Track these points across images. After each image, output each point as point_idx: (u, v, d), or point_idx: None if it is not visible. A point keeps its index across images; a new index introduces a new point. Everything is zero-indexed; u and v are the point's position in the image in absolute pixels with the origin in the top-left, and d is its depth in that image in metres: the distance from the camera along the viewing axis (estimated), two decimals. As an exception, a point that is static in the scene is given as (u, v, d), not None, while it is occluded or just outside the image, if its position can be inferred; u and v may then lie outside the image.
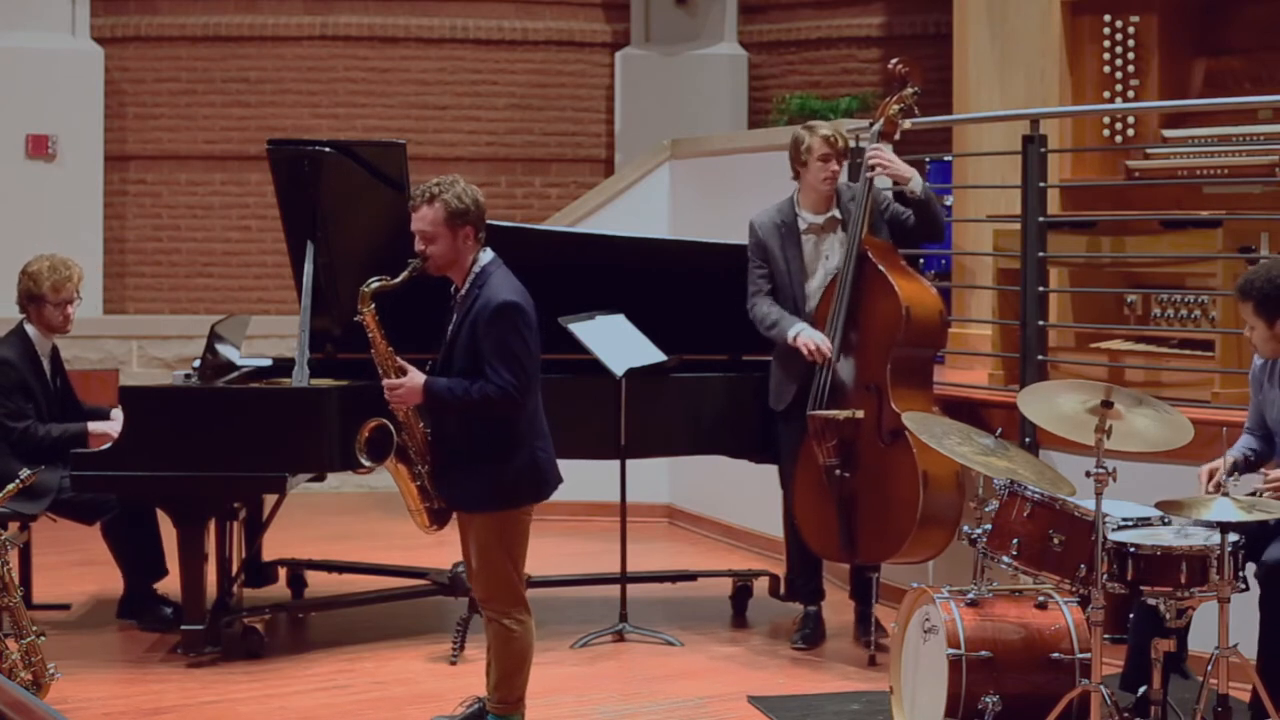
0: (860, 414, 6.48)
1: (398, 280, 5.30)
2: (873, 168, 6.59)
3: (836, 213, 6.75)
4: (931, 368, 6.71)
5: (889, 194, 6.75)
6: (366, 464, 5.44)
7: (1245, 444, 5.57)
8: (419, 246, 5.26)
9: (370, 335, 5.39)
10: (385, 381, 5.34)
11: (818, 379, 6.58)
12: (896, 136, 6.81)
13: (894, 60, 6.83)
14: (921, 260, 8.41)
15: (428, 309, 5.54)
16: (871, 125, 6.80)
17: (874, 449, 6.48)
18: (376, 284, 5.33)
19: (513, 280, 5.29)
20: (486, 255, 5.32)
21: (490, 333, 5.18)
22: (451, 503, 5.41)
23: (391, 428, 5.37)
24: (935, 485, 6.36)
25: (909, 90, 6.74)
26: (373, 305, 5.35)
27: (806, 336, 6.59)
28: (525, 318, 5.23)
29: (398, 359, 5.37)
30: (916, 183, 6.63)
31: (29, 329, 7.06)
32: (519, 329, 5.21)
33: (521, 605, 5.40)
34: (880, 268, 6.53)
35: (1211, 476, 5.36)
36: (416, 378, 5.29)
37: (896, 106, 6.72)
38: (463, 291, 5.31)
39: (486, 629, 5.49)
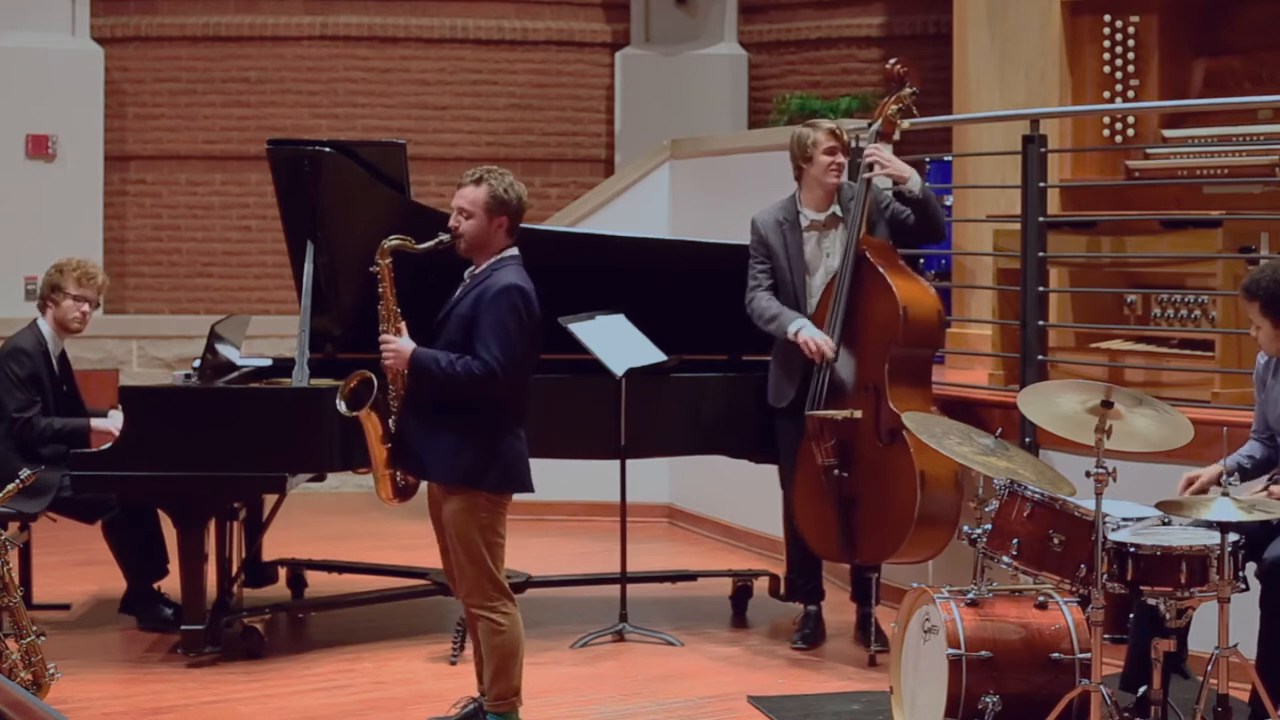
0: (858, 414, 6.48)
1: (421, 247, 5.43)
2: (870, 167, 6.60)
3: (837, 210, 6.76)
4: (930, 368, 6.70)
5: (889, 193, 6.76)
6: (343, 411, 5.46)
7: (1246, 451, 5.56)
8: (453, 222, 5.40)
9: (381, 287, 5.46)
10: (382, 335, 5.44)
11: (816, 379, 6.58)
12: (895, 136, 6.82)
13: (892, 60, 6.84)
14: (921, 260, 8.42)
15: (439, 304, 5.56)
16: (870, 125, 6.81)
17: (872, 449, 6.48)
18: (398, 240, 5.46)
19: (525, 275, 5.40)
20: (512, 251, 5.46)
21: (491, 308, 5.29)
22: (412, 470, 5.46)
23: (375, 383, 5.44)
24: (933, 485, 6.36)
25: (907, 90, 6.74)
26: (390, 260, 5.44)
27: (808, 334, 6.58)
28: (528, 303, 5.34)
29: (401, 321, 5.45)
30: (915, 182, 6.63)
31: (43, 325, 7.10)
32: (518, 310, 5.30)
33: (505, 596, 5.42)
34: (878, 268, 6.53)
35: (1190, 484, 5.37)
36: (408, 342, 5.39)
37: (895, 107, 6.73)
38: (477, 271, 5.43)
39: (472, 627, 5.50)
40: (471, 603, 5.44)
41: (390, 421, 5.47)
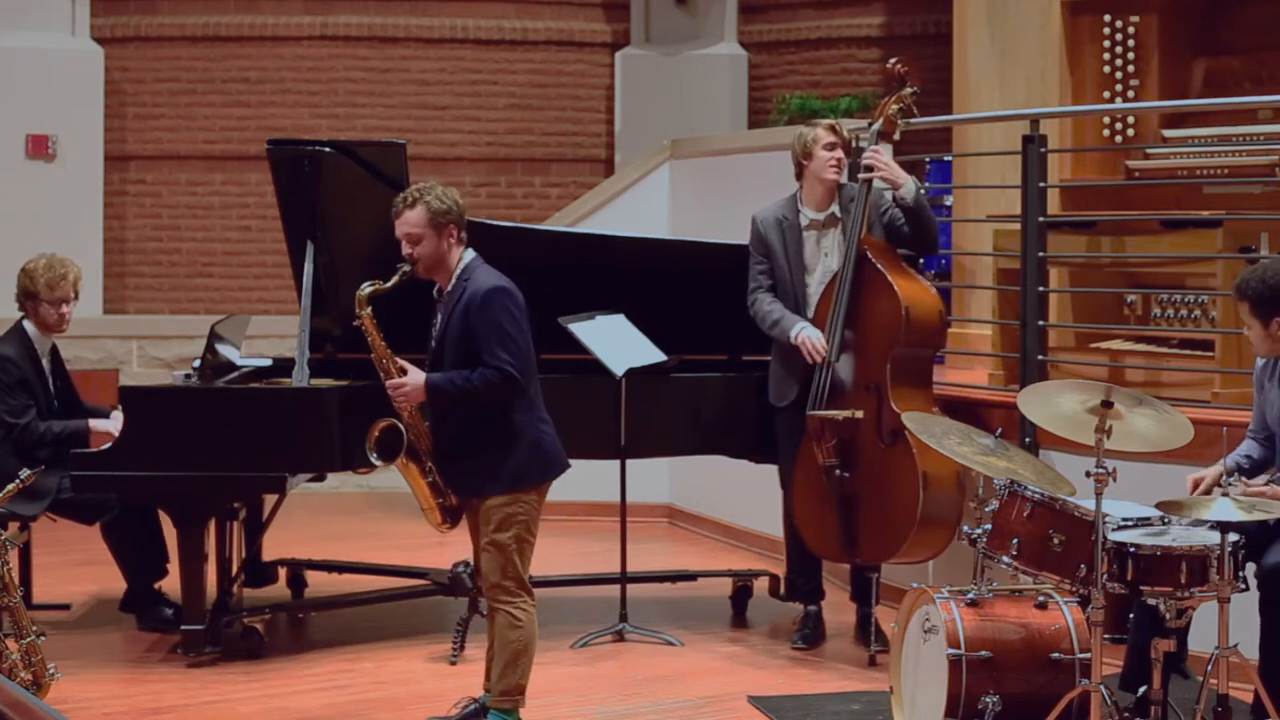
0: (860, 414, 6.48)
1: (389, 284, 5.45)
2: (869, 168, 6.59)
3: (837, 210, 6.76)
4: (931, 368, 6.70)
5: (889, 196, 6.75)
6: (377, 463, 5.49)
7: (1244, 450, 5.56)
8: (406, 250, 5.40)
9: (369, 338, 5.52)
10: (388, 382, 5.45)
11: (817, 379, 6.58)
12: (895, 136, 6.82)
13: (893, 60, 6.84)
14: (921, 260, 8.40)
15: (417, 313, 5.56)
16: (871, 125, 6.81)
17: (874, 449, 6.48)
18: (370, 288, 5.48)
19: (497, 273, 5.42)
20: (469, 254, 5.47)
21: (483, 318, 5.30)
22: (461, 492, 5.49)
23: (401, 427, 5.46)
24: (936, 485, 6.35)
25: (908, 90, 6.75)
26: (369, 308, 5.48)
27: (805, 335, 6.59)
28: (515, 301, 5.36)
29: (397, 359, 5.47)
30: (909, 189, 6.62)
31: (28, 327, 7.07)
32: (510, 311, 5.33)
33: (527, 593, 5.48)
34: (880, 268, 6.53)
35: (1196, 486, 5.37)
36: (418, 375, 5.41)
37: (896, 106, 6.73)
38: (448, 289, 5.42)
39: (490, 620, 5.52)
40: (492, 596, 5.48)
41: (424, 458, 5.50)
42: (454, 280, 5.40)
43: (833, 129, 6.73)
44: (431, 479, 5.52)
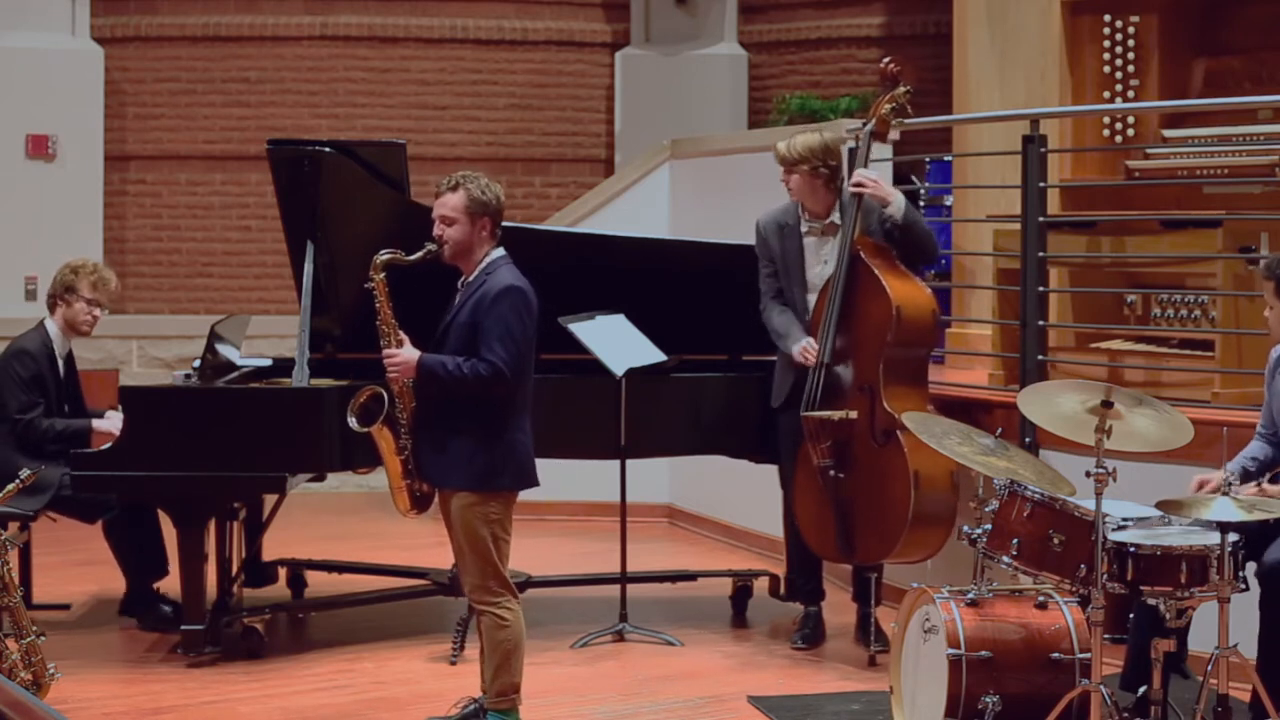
0: (854, 415, 6.48)
1: (411, 258, 5.45)
2: (858, 185, 6.55)
3: (837, 218, 6.75)
4: (926, 367, 6.69)
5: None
6: (355, 426, 5.47)
7: (1250, 452, 5.54)
8: (437, 231, 5.43)
9: (377, 303, 5.49)
10: (384, 350, 5.46)
11: (811, 380, 6.58)
12: (892, 136, 6.82)
13: (885, 59, 6.83)
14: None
15: (432, 310, 5.56)
16: (864, 125, 6.81)
17: (868, 449, 6.48)
18: (389, 255, 5.48)
19: (519, 274, 5.44)
20: (498, 251, 5.48)
21: (492, 311, 5.33)
22: (429, 478, 5.49)
23: (386, 397, 5.46)
24: (927, 485, 6.34)
25: (901, 89, 6.73)
26: (384, 274, 5.46)
27: (800, 347, 6.60)
28: (528, 304, 5.38)
29: (400, 332, 5.48)
30: (897, 207, 6.60)
31: (50, 326, 7.12)
32: (520, 312, 5.35)
33: (509, 592, 5.47)
34: (872, 267, 6.52)
35: (1201, 487, 5.36)
36: (412, 351, 5.43)
37: (889, 106, 6.72)
38: (470, 279, 5.45)
39: (478, 624, 5.52)
40: (476, 598, 5.48)
41: (403, 434, 5.49)
42: (477, 271, 5.43)
43: (776, 154, 6.71)
44: (405, 458, 5.50)
